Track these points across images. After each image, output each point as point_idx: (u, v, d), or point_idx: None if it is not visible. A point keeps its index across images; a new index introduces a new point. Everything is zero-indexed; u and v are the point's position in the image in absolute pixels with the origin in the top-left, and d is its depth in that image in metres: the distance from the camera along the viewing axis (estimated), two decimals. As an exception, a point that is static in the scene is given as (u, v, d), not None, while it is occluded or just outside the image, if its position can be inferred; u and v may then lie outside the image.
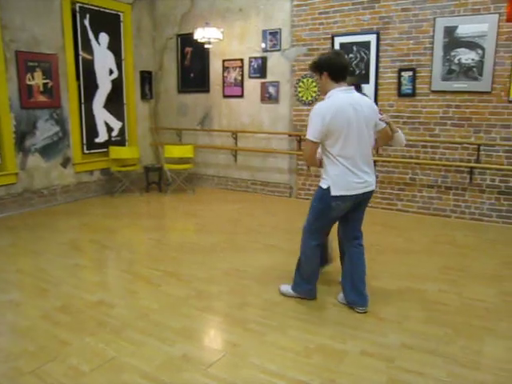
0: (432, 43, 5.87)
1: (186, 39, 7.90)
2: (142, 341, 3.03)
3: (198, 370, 2.69)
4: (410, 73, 6.08)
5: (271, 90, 7.20)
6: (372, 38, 6.28)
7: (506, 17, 4.76)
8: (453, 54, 5.76)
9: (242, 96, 7.53)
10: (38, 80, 6.52)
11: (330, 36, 6.59)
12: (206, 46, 7.16)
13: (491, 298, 3.66)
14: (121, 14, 7.70)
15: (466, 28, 5.63)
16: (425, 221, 6.01)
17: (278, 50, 7.07)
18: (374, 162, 6.35)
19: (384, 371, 2.67)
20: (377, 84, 6.34)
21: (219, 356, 2.85)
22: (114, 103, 7.80)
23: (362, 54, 6.38)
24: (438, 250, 4.85)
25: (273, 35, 7.08)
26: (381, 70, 6.30)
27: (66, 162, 7.09)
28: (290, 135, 7.15)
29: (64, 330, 3.20)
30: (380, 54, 6.26)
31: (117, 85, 7.81)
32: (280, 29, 7.01)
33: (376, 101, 6.34)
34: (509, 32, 5.41)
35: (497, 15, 5.43)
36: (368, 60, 6.35)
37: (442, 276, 4.13)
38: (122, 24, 7.74)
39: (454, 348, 2.91)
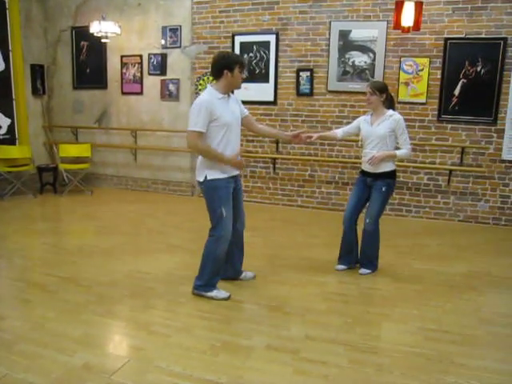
0: (328, 45, 6.13)
1: (82, 32, 7.52)
2: (37, 353, 2.83)
3: (101, 379, 2.56)
4: (308, 73, 6.30)
5: (171, 87, 7.09)
6: (271, 38, 6.42)
7: (392, 24, 5.10)
8: (347, 56, 6.06)
9: (141, 93, 7.34)
10: None
11: (230, 35, 6.64)
12: (103, 40, 6.87)
13: (387, 287, 3.90)
14: (6, 1, 7.12)
15: (359, 32, 5.96)
16: (324, 216, 6.27)
17: (179, 47, 6.99)
18: (274, 159, 6.54)
19: (290, 363, 2.73)
20: (276, 83, 6.49)
21: (123, 362, 2.74)
22: (2, 98, 7.22)
23: (262, 53, 6.50)
24: (336, 244, 5.04)
25: (173, 32, 6.97)
26: (280, 69, 6.46)
27: None
28: (192, 133, 7.09)
29: None
30: (279, 54, 6.42)
31: (4, 78, 7.22)
32: (180, 26, 6.93)
33: (276, 99, 6.50)
34: (396, 38, 5.81)
35: (385, 22, 5.80)
36: (268, 60, 6.48)
37: (341, 268, 4.33)
38: (8, 12, 7.16)
39: (354, 335, 3.06)
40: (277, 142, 6.58)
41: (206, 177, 3.49)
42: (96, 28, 6.64)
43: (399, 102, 5.89)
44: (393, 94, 5.80)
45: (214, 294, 3.61)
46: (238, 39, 6.60)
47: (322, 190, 6.52)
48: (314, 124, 6.39)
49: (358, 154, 6.23)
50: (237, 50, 6.59)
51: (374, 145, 3.99)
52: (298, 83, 6.38)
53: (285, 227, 5.69)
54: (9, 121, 7.39)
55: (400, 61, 5.86)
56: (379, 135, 3.95)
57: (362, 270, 4.19)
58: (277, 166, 6.66)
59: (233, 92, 3.63)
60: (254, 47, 6.53)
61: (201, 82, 6.89)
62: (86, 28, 6.99)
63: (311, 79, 6.30)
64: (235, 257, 3.89)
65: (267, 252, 4.72)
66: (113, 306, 3.50)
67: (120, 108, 7.61)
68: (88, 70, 7.74)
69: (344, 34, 6.03)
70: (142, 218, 6.09)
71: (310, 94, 6.34)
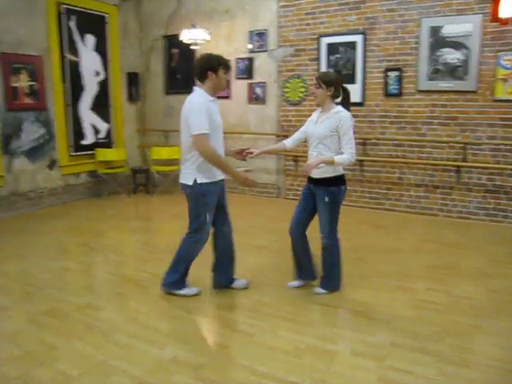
0: (418, 43, 5.91)
1: (173, 40, 7.86)
2: (130, 344, 3.01)
3: (188, 373, 2.67)
4: (397, 73, 6.11)
5: (258, 90, 7.20)
6: (358, 39, 6.31)
7: (490, 17, 4.80)
8: (438, 53, 5.80)
9: (229, 97, 7.51)
10: (23, 82, 6.44)
11: (316, 36, 6.61)
12: (193, 47, 7.13)
13: (479, 296, 3.69)
14: (106, 16, 7.65)
15: (451, 28, 5.68)
16: (412, 220, 6.05)
17: (265, 51, 7.07)
18: (361, 161, 6.41)
19: (374, 371, 2.67)
20: (363, 84, 6.37)
21: (209, 358, 2.83)
22: (101, 105, 7.74)
23: (349, 54, 6.40)
24: (425, 249, 4.88)
25: (259, 36, 7.08)
26: (367, 70, 6.33)
27: (52, 165, 7.01)
28: (277, 136, 7.15)
29: (51, 334, 3.16)
30: (366, 54, 6.29)
31: (103, 86, 7.75)
32: (266, 29, 7.01)
33: (363, 101, 6.37)
34: (493, 32, 5.47)
35: (481, 15, 5.48)
36: (354, 60, 6.37)
37: (430, 274, 4.16)
38: (107, 25, 7.68)
39: (443, 346, 2.93)
40: (364, 144, 6.45)
41: (195, 180, 3.43)
42: (186, 36, 6.91)
43: (495, 100, 5.53)
44: (488, 92, 5.56)
45: (185, 291, 3.69)
46: (325, 41, 6.56)
47: (411, 194, 6.29)
48: (402, 125, 6.18)
49: (449, 156, 5.94)
50: (323, 52, 6.55)
51: (315, 145, 3.53)
52: (385, 83, 6.21)
53: (371, 231, 5.55)
54: (107, 126, 7.90)
55: (497, 55, 5.50)
56: (318, 134, 3.48)
57: (316, 289, 3.76)
58: (364, 168, 6.52)
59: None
60: (341, 48, 6.45)
61: (287, 84, 6.93)
62: (177, 36, 7.29)
63: (400, 79, 6.10)
64: (226, 265, 3.81)
65: (353, 256, 4.64)
66: (200, 304, 3.62)
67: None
68: (178, 76, 8.06)
69: (435, 31, 5.78)
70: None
71: (399, 94, 6.15)
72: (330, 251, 3.68)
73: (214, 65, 3.44)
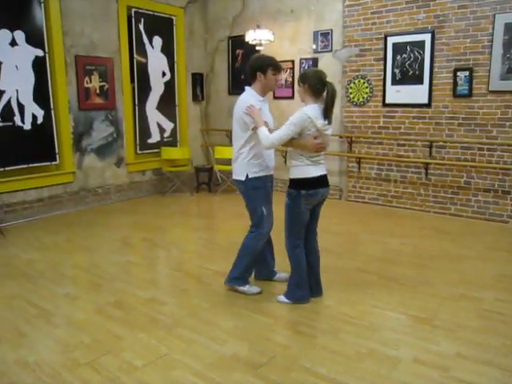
0: (491, 41, 5.66)
1: (237, 41, 7.97)
2: (192, 339, 3.08)
3: (248, 371, 2.70)
4: (467, 73, 5.88)
5: (322, 91, 7.14)
6: (427, 38, 6.12)
7: None
8: (513, 52, 5.53)
9: (292, 97, 7.51)
10: (94, 83, 6.76)
11: (382, 36, 6.48)
12: (257, 47, 7.19)
13: (553, 309, 3.49)
14: (174, 18, 7.86)
15: (528, 25, 5.40)
16: (480, 226, 5.80)
17: (330, 51, 7.02)
18: (427, 164, 6.22)
19: (438, 380, 2.59)
20: (431, 85, 6.17)
21: (269, 357, 2.85)
22: (167, 105, 7.97)
23: (416, 53, 6.23)
24: (494, 257, 4.67)
25: (324, 36, 7.03)
26: (435, 70, 6.13)
27: (119, 162, 7.30)
28: (340, 137, 7.08)
29: (118, 324, 3.29)
30: (435, 53, 6.09)
31: (169, 87, 7.97)
32: (331, 29, 6.95)
33: (430, 102, 6.19)
34: None
35: (562, 12, 5.18)
36: (422, 60, 6.19)
37: (499, 284, 3.97)
38: (174, 27, 7.90)
39: (514, 360, 2.80)
40: (430, 147, 6.26)
41: (247, 175, 3.55)
42: (251, 36, 6.98)
43: None
44: None
45: (246, 288, 3.73)
46: (391, 40, 6.41)
47: (479, 199, 6.03)
48: (472, 127, 5.94)
49: (523, 160, 5.66)
50: (389, 52, 6.41)
51: None
52: (454, 84, 5.99)
53: (436, 236, 5.38)
54: (172, 125, 8.13)
55: None
56: None
57: (277, 297, 3.66)
58: (429, 171, 6.33)
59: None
60: (408, 48, 6.28)
61: (351, 85, 6.84)
62: (242, 37, 7.39)
63: (470, 79, 5.87)
64: (267, 257, 3.95)
65: (416, 261, 4.52)
66: (260, 303, 3.64)
67: (272, 112, 7.84)
68: (242, 77, 8.15)
69: (510, 28, 5.51)
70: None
71: (469, 94, 5.91)
72: (291, 258, 3.59)
73: (262, 66, 3.52)
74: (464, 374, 2.65)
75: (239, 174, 3.63)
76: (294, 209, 3.46)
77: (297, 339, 3.08)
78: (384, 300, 3.64)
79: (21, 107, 5.97)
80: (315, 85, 3.35)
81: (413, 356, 2.84)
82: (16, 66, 5.88)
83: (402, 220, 6.08)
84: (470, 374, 2.64)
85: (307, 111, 3.29)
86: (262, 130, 3.35)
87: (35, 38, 6.02)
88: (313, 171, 3.40)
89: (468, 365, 2.75)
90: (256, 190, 3.61)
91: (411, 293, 3.78)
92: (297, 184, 3.43)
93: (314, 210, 3.56)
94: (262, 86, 3.58)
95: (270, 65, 3.53)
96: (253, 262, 3.79)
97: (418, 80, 6.22)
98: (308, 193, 3.39)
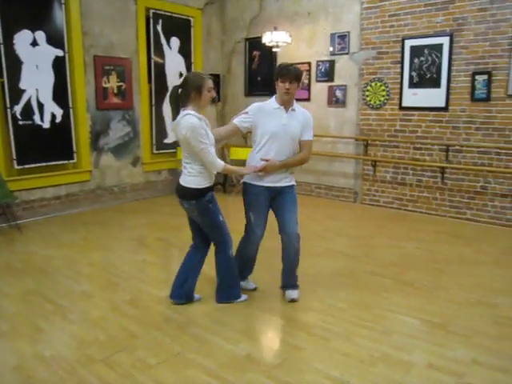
0: (510, 45, 5.60)
1: (254, 43, 7.99)
2: (206, 338, 3.10)
3: (261, 371, 2.71)
4: (485, 76, 5.83)
5: (338, 93, 7.13)
6: (445, 41, 6.08)
7: None
8: (533, 56, 5.47)
9: (308, 99, 7.51)
10: (112, 83, 6.83)
11: (400, 39, 6.45)
12: (274, 49, 7.20)
13: None
14: (191, 19, 7.91)
15: (549, 29, 5.34)
16: (496, 231, 5.74)
17: (347, 54, 7.00)
18: (443, 168, 6.18)
19: (452, 386, 2.58)
20: (448, 88, 6.13)
21: (282, 359, 2.86)
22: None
23: (434, 57, 6.19)
24: (510, 263, 4.62)
25: (341, 38, 7.02)
26: (453, 73, 6.08)
27: (135, 162, 7.36)
28: (356, 139, 7.06)
29: (132, 322, 3.33)
30: (453, 57, 6.05)
31: (186, 88, 8.00)
32: (348, 32, 6.94)
33: (447, 105, 6.14)
34: None
35: None
36: (440, 63, 6.15)
37: (516, 290, 3.93)
38: (192, 28, 7.94)
39: (530, 368, 2.77)
40: (446, 151, 6.21)
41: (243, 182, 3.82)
42: (268, 38, 7.00)
43: None
44: None
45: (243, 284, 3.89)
46: (408, 43, 6.38)
47: (496, 204, 5.96)
48: (489, 132, 5.88)
49: (541, 166, 5.58)
50: (406, 55, 6.38)
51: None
52: (472, 87, 5.93)
53: (451, 241, 5.33)
54: (188, 125, 8.15)
55: None
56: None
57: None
58: (445, 175, 6.28)
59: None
60: (426, 51, 6.25)
61: (368, 88, 6.82)
62: (259, 38, 7.40)
63: (488, 83, 5.81)
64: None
65: (431, 266, 4.49)
66: (274, 304, 3.66)
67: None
68: (259, 79, 8.17)
69: (531, 33, 5.46)
70: (304, 222, 6.21)
71: (487, 99, 5.85)
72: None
73: (274, 75, 3.58)
74: (479, 380, 2.63)
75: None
76: (205, 217, 3.93)
77: (310, 341, 3.08)
78: (399, 304, 3.62)
79: (40, 106, 6.06)
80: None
81: (427, 361, 2.83)
82: (36, 66, 5.97)
83: (417, 224, 6.03)
84: (486, 381, 2.62)
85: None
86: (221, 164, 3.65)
87: (56, 39, 6.11)
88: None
89: (483, 372, 2.73)
90: (246, 195, 4.09)
91: (426, 298, 3.76)
92: (198, 193, 3.71)
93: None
94: (278, 95, 3.60)
95: (277, 76, 3.52)
96: (241, 264, 3.91)
97: (436, 83, 6.18)
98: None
